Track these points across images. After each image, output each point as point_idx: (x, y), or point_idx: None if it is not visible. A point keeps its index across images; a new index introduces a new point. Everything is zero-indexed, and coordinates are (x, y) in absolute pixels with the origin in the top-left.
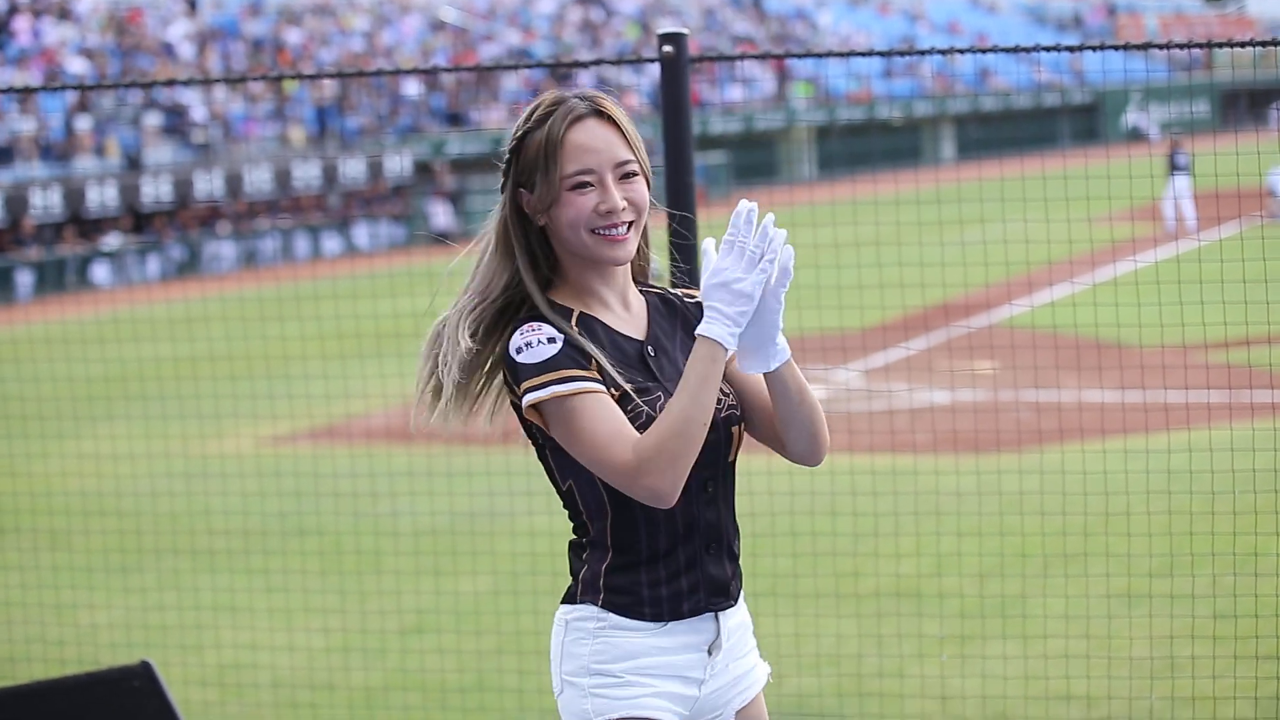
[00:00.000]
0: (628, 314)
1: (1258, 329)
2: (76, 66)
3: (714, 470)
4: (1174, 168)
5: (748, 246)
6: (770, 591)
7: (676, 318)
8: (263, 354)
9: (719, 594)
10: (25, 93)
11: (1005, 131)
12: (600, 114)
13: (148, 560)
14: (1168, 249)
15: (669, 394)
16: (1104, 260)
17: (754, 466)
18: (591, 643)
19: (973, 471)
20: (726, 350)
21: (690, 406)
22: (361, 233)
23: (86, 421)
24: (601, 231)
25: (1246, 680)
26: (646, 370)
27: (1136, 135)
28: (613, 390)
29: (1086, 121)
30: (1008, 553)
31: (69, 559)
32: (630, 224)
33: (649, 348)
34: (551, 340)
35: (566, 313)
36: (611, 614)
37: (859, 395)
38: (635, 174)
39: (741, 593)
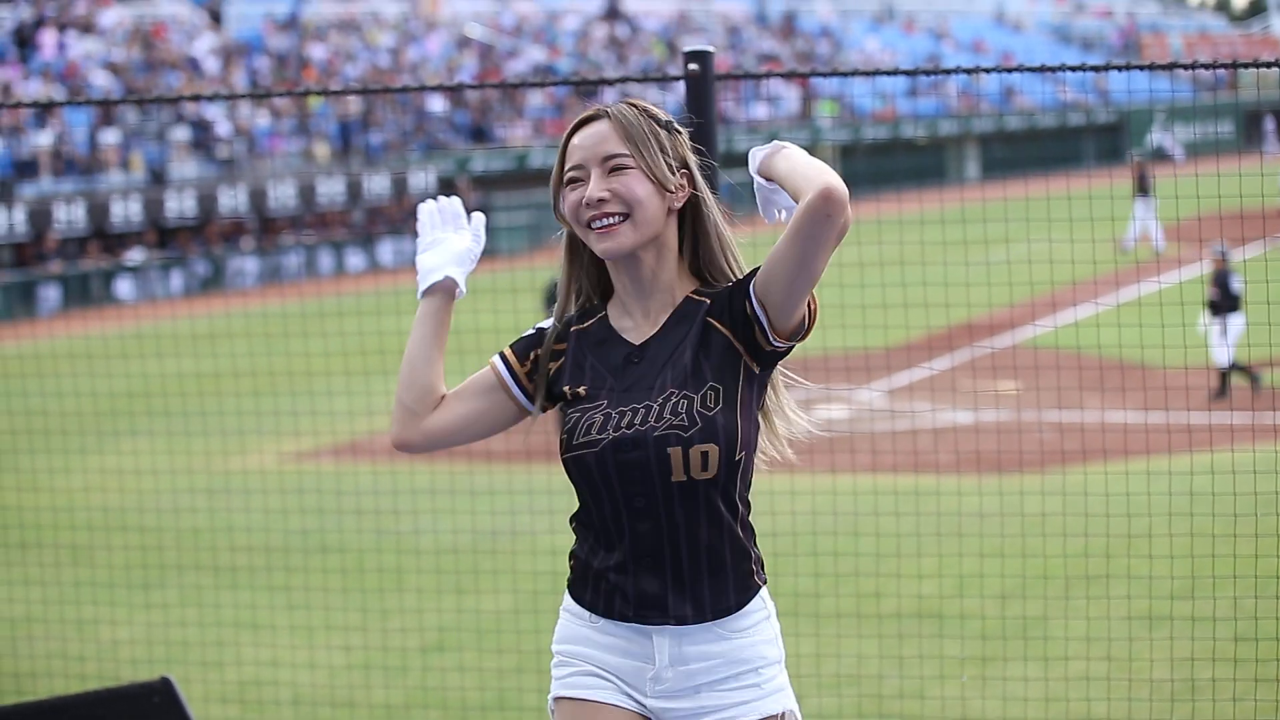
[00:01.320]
0: (645, 319)
1: None
2: (101, 81)
3: (643, 488)
4: (1142, 190)
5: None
6: (791, 611)
7: (697, 316)
8: (286, 370)
9: (650, 608)
10: (49, 107)
11: (1030, 151)
12: (607, 117)
13: (169, 576)
14: (1192, 267)
15: (623, 404)
16: (1128, 280)
17: (777, 486)
18: (559, 621)
19: (995, 492)
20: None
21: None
22: (386, 249)
23: (109, 436)
24: (591, 224)
25: (1267, 703)
26: (618, 376)
27: (1161, 155)
28: (567, 389)
29: (1111, 141)
30: (1029, 574)
31: (91, 574)
32: (622, 217)
33: (635, 355)
34: (537, 328)
35: (592, 313)
36: (567, 592)
37: (882, 415)
38: (625, 167)
39: (740, 626)
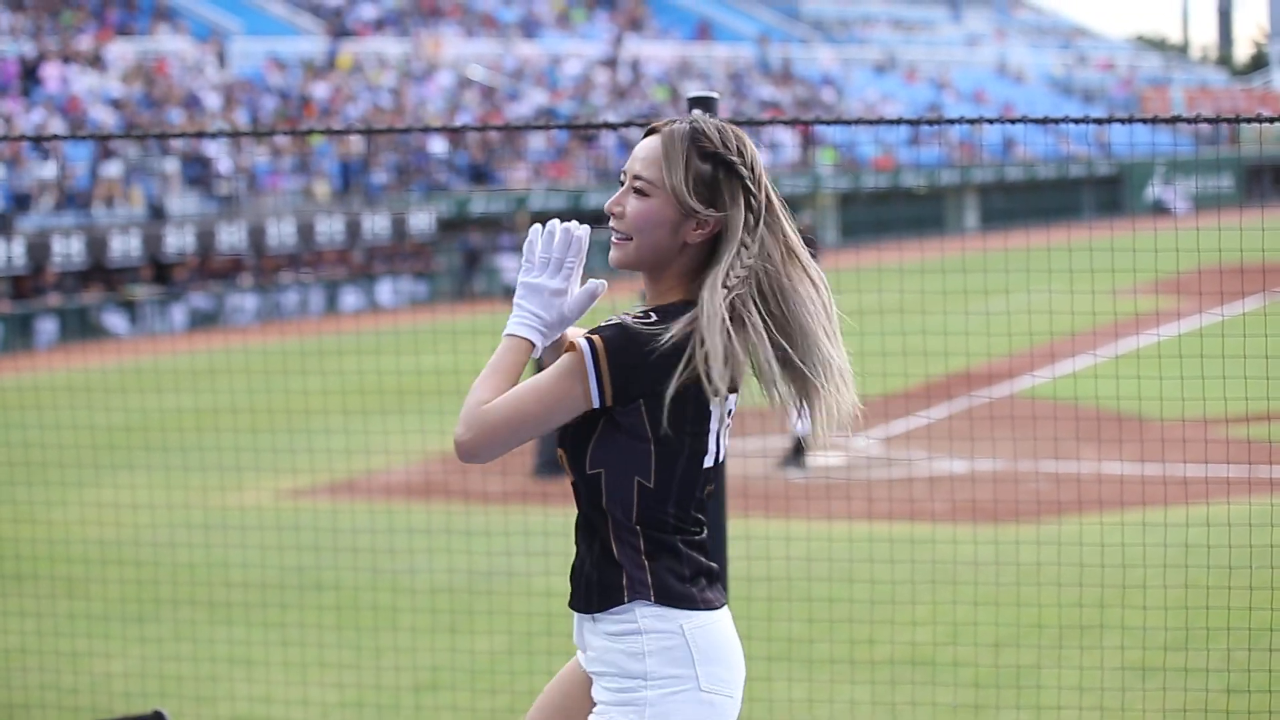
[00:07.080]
0: None
1: (1278, 404)
2: (103, 115)
3: (572, 474)
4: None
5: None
6: (784, 656)
7: None
8: (283, 407)
9: (570, 582)
10: (50, 140)
11: (1029, 202)
12: (661, 133)
13: (163, 610)
14: (1191, 320)
15: None
16: (1126, 332)
17: (772, 531)
18: None
19: (990, 541)
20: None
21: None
22: (384, 288)
23: (105, 470)
24: (609, 225)
25: None
26: None
27: (1160, 208)
28: None
29: (1110, 193)
30: (1023, 623)
31: (85, 607)
32: (627, 237)
33: None
34: None
35: None
36: None
37: (878, 463)
38: (644, 193)
39: (608, 630)
